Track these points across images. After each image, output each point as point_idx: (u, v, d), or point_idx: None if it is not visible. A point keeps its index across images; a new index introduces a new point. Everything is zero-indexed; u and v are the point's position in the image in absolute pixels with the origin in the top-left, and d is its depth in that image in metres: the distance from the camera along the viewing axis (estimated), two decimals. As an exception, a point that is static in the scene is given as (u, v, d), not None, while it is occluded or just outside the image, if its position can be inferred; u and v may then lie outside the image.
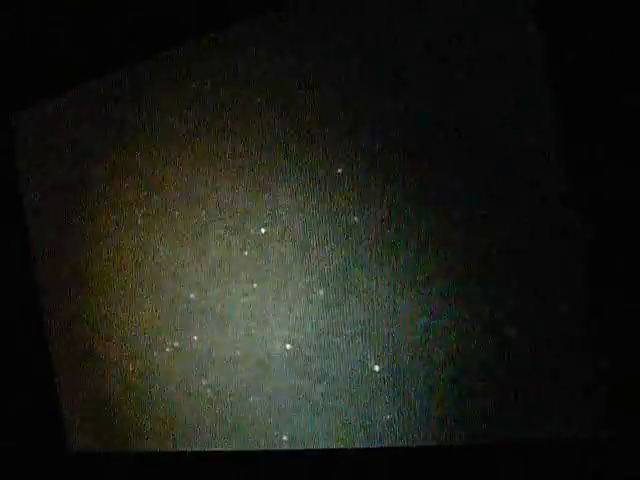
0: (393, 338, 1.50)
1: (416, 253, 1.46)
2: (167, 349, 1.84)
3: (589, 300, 1.30)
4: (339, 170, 1.54)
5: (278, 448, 1.69)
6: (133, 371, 1.91)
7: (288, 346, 1.64)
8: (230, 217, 1.71)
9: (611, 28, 1.24)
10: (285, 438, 1.68)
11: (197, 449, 1.82)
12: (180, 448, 1.85)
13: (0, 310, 2.11)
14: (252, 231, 1.68)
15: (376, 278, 1.51)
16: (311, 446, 1.64)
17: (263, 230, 1.66)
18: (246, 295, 1.70)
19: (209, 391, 1.78)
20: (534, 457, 1.38)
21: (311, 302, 1.60)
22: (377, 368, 1.53)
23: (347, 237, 1.55)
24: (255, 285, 1.68)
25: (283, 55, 1.60)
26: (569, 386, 1.33)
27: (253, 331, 1.69)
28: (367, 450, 1.57)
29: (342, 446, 1.60)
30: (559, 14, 1.29)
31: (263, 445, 1.71)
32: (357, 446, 1.58)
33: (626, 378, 1.27)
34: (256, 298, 1.68)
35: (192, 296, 1.79)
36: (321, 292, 1.58)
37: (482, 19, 1.36)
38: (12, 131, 2.11)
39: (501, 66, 1.35)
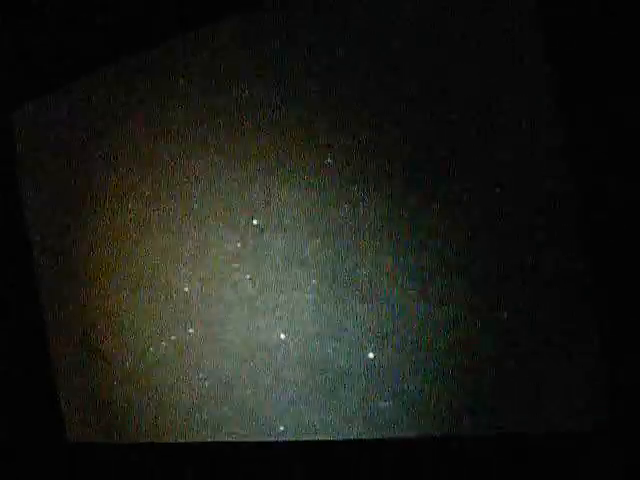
0: (389, 328, 1.50)
1: (412, 242, 1.46)
2: (163, 342, 1.85)
3: (590, 295, 1.30)
4: (329, 160, 1.56)
5: (275, 439, 1.69)
6: (130, 364, 1.92)
7: (283, 336, 1.65)
8: (223, 209, 1.72)
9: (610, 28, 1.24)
10: (282, 429, 1.68)
11: (193, 440, 1.82)
12: (177, 440, 1.86)
13: (0, 307, 2.14)
14: (245, 223, 1.69)
15: (370, 267, 1.52)
16: (308, 437, 1.64)
17: (256, 222, 1.68)
18: (241, 286, 1.71)
19: (206, 383, 1.78)
20: (533, 451, 1.37)
21: (305, 292, 1.61)
22: (371, 355, 1.53)
23: (340, 227, 1.55)
24: (249, 276, 1.69)
25: (276, 50, 1.62)
26: (569, 380, 1.32)
27: (248, 322, 1.70)
28: (364, 441, 1.57)
29: (339, 437, 1.60)
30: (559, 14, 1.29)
31: (260, 436, 1.71)
32: (354, 437, 1.57)
33: (627, 374, 1.27)
34: (251, 289, 1.69)
35: (186, 289, 1.80)
36: (314, 282, 1.59)
37: (481, 17, 1.37)
38: (12, 131, 2.14)
39: (501, 64, 1.35)
